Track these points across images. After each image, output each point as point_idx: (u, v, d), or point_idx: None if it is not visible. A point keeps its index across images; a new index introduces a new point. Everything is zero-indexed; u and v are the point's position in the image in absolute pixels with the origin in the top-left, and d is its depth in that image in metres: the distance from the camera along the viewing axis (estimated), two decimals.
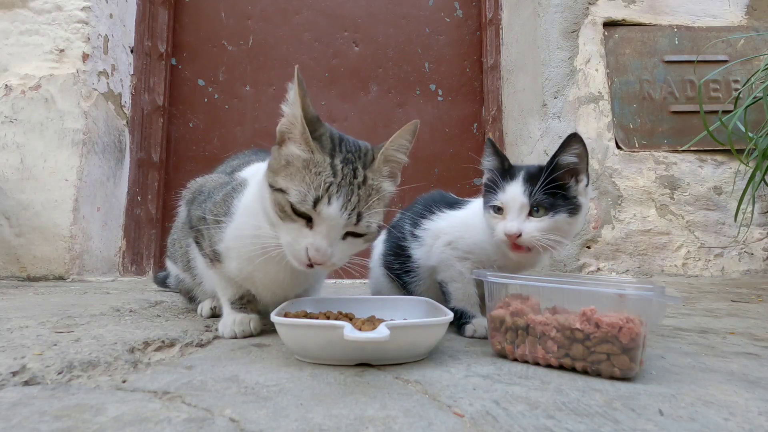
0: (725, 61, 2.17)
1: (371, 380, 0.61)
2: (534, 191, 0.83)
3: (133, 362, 0.68)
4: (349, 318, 0.80)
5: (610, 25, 2.29)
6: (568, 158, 0.84)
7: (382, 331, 0.60)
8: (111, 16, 2.27)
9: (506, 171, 0.89)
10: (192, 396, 0.53)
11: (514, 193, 0.85)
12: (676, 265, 2.10)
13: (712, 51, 2.25)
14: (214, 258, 0.88)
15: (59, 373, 0.60)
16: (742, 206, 1.76)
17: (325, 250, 0.70)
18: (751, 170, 1.72)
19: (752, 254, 2.11)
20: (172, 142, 2.61)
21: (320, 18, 2.75)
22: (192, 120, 2.64)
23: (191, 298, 1.17)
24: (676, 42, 2.29)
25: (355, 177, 0.73)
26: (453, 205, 1.05)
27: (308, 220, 0.71)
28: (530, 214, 0.84)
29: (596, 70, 2.25)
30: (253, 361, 0.70)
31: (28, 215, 1.98)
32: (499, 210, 0.87)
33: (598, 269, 2.09)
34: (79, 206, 2.01)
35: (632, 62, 2.27)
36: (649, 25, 2.30)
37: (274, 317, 0.69)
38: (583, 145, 0.84)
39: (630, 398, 0.56)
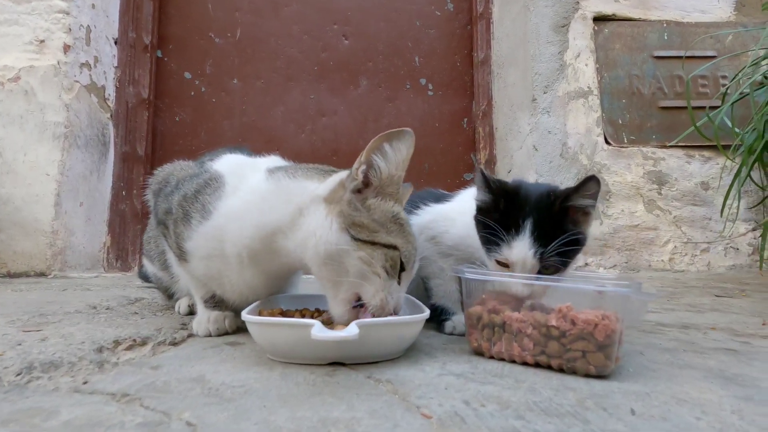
0: (713, 57, 2.16)
1: (342, 380, 0.59)
2: (545, 253, 0.73)
3: (99, 362, 0.66)
4: (327, 315, 0.78)
5: (600, 19, 2.27)
6: (583, 201, 0.75)
7: (351, 330, 0.58)
8: (93, 6, 2.22)
9: (506, 214, 0.76)
10: (152, 398, 0.51)
11: (523, 254, 0.73)
12: (663, 260, 2.11)
13: (700, 46, 2.24)
14: (180, 256, 0.83)
15: (18, 375, 0.58)
16: (728, 202, 1.77)
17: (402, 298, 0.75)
18: (738, 166, 1.72)
19: (738, 249, 2.12)
20: (157, 135, 2.56)
21: (309, 10, 2.70)
22: (178, 113, 2.59)
23: (170, 296, 1.15)
24: (666, 37, 2.28)
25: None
26: (440, 199, 1.03)
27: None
28: (540, 271, 0.75)
29: (586, 65, 2.23)
30: (224, 360, 0.68)
31: (8, 210, 1.93)
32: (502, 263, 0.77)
33: (586, 264, 2.09)
34: (61, 201, 1.97)
35: (622, 57, 2.26)
36: (639, 20, 2.29)
37: (245, 315, 0.67)
38: (599, 185, 0.75)
39: (603, 397, 0.55)
